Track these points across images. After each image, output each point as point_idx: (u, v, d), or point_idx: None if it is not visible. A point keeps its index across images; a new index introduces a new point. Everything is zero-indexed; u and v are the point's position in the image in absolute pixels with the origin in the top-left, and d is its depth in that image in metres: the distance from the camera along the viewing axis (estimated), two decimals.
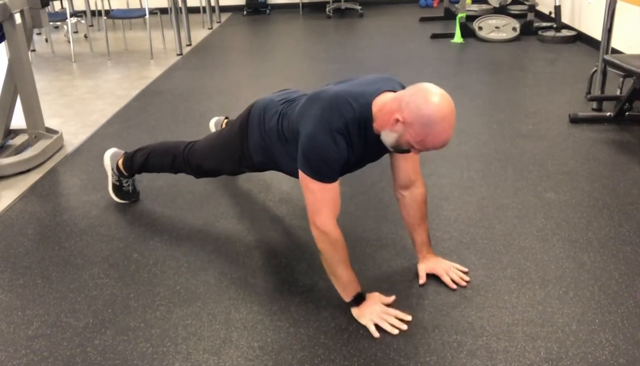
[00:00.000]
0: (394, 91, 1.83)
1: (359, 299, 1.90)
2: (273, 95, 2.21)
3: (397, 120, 1.69)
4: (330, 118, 1.76)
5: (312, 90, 2.14)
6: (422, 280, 2.08)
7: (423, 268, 2.11)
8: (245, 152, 2.19)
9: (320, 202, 1.83)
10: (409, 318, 1.89)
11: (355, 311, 1.91)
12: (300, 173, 1.83)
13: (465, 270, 2.13)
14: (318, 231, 1.85)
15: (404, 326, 1.85)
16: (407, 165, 2.02)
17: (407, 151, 1.80)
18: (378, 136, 1.81)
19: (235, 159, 2.24)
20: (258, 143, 2.14)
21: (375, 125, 1.79)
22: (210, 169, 2.40)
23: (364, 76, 1.97)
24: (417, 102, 1.65)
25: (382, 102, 1.77)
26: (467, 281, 2.07)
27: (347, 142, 1.79)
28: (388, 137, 1.76)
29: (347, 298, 1.91)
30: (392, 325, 1.85)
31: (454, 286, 2.05)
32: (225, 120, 3.08)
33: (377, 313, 1.88)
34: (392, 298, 1.97)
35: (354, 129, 1.78)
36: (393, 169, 2.06)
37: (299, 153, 1.83)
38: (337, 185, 1.85)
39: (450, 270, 2.10)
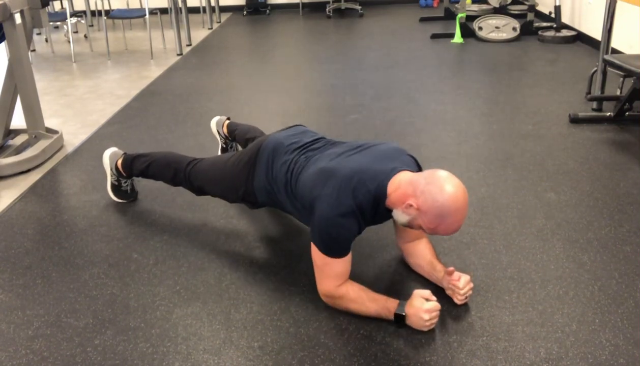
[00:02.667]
0: (409, 170, 1.85)
1: (400, 314, 1.82)
2: (283, 135, 2.19)
3: (411, 206, 1.72)
4: (346, 201, 1.78)
5: (323, 136, 2.14)
6: (456, 275, 1.96)
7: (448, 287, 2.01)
8: (250, 189, 2.20)
9: (329, 273, 1.88)
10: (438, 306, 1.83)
11: (408, 323, 1.83)
12: (313, 247, 1.88)
13: (471, 286, 2.00)
14: (324, 297, 1.93)
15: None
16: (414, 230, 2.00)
17: (417, 230, 1.83)
18: (389, 210, 1.84)
19: (238, 194, 2.25)
20: (263, 185, 2.14)
21: (388, 202, 1.82)
22: (212, 193, 2.41)
23: (377, 145, 1.97)
24: (433, 191, 1.67)
25: (398, 183, 1.79)
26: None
27: (360, 221, 1.82)
28: (400, 217, 1.79)
29: (391, 319, 1.85)
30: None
31: (461, 302, 1.96)
32: (227, 122, 3.07)
33: (424, 320, 1.79)
34: (427, 292, 1.86)
35: (367, 208, 1.81)
36: (398, 229, 2.08)
37: (312, 229, 1.86)
38: (349, 259, 1.89)
39: (466, 288, 1.97)
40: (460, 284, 1.92)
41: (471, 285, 1.95)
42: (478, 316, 1.90)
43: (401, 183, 1.78)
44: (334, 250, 1.84)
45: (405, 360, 1.72)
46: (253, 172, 2.17)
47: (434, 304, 1.81)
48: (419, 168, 1.95)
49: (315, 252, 1.87)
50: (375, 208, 1.82)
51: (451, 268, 1.94)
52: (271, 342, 1.82)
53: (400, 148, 1.97)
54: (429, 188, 1.68)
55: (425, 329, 1.82)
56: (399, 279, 2.11)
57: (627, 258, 2.19)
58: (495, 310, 1.93)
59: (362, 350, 1.77)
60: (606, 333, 1.80)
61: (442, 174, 1.71)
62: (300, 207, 2.00)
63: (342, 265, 1.87)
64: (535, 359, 1.71)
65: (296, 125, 2.32)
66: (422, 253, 2.08)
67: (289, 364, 1.73)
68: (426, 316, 1.79)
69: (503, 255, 2.24)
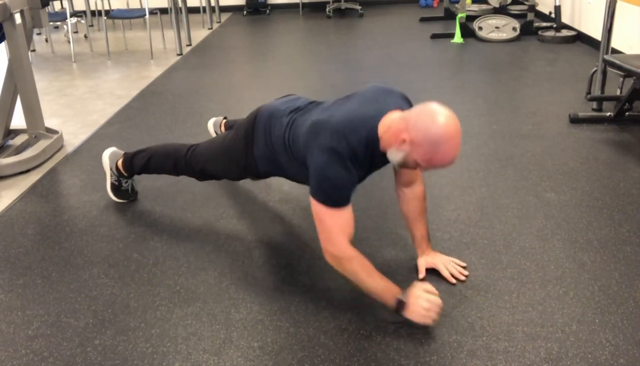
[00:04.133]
0: (399, 108, 1.85)
1: (402, 302, 1.82)
2: (278, 102, 2.20)
3: (404, 140, 1.71)
4: (339, 146, 1.77)
5: (316, 99, 2.15)
6: (422, 274, 2.10)
7: (422, 263, 2.13)
8: (251, 160, 2.19)
9: (333, 229, 1.85)
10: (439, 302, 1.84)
11: (405, 314, 1.83)
12: (313, 201, 1.85)
13: (464, 264, 2.15)
14: (332, 258, 1.87)
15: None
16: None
17: (414, 169, 1.82)
18: (384, 153, 1.83)
19: (240, 166, 2.25)
20: (263, 151, 2.14)
21: (382, 145, 1.81)
22: (214, 173, 2.40)
23: (365, 90, 1.97)
24: (425, 122, 1.67)
25: (389, 123, 1.79)
26: (465, 276, 2.09)
27: (356, 165, 1.81)
28: (395, 156, 1.78)
29: (392, 305, 1.84)
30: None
31: (453, 280, 2.07)
32: (224, 121, 3.08)
33: (425, 310, 1.80)
34: (428, 285, 1.89)
35: (361, 152, 1.80)
36: (396, 170, 2.08)
37: (310, 183, 1.85)
38: (350, 209, 1.86)
39: (449, 265, 2.11)
40: (444, 274, 2.08)
41: (455, 265, 2.12)
42: (478, 316, 1.90)
43: (392, 122, 1.78)
44: (334, 198, 1.81)
45: (405, 360, 1.72)
46: (252, 142, 2.17)
47: (435, 297, 1.82)
48: (410, 105, 1.94)
49: (317, 207, 1.84)
50: (370, 153, 1.82)
51: (421, 276, 2.10)
52: (271, 342, 1.82)
53: (388, 88, 1.96)
54: (421, 119, 1.68)
55: (424, 321, 1.80)
56: (399, 279, 2.11)
57: (627, 258, 2.19)
58: (495, 310, 1.93)
59: (362, 350, 1.77)
60: (606, 333, 1.80)
61: (433, 105, 1.70)
62: (298, 166, 1.99)
63: (346, 216, 1.84)
64: (535, 359, 1.71)
65: (289, 94, 2.32)
66: (408, 213, 2.13)
67: (289, 364, 1.73)
68: (426, 304, 1.79)
69: (503, 255, 2.24)
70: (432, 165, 1.72)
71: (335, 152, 1.77)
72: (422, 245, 2.15)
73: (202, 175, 2.44)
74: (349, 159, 1.78)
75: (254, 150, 2.17)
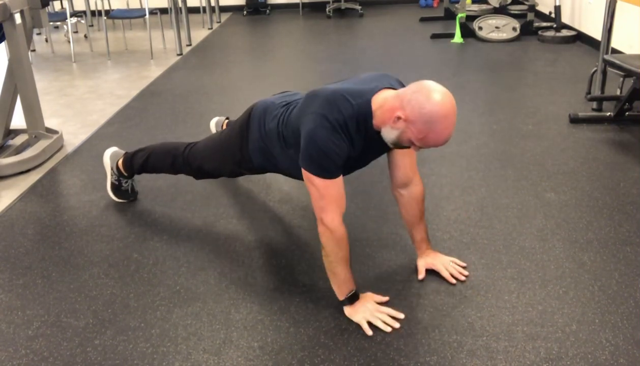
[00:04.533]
0: (393, 88, 1.83)
1: (352, 298, 1.91)
2: (273, 97, 2.21)
3: (399, 118, 1.69)
4: (329, 114, 1.77)
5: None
6: (422, 275, 2.10)
7: (422, 264, 2.13)
8: (245, 154, 2.19)
9: (325, 198, 1.82)
10: (401, 316, 1.89)
11: (347, 309, 1.91)
12: (304, 171, 1.84)
13: (464, 264, 2.15)
14: (324, 228, 1.84)
15: (397, 324, 1.86)
16: (405, 162, 2.03)
17: (408, 147, 1.81)
18: (378, 133, 1.81)
19: (235, 161, 2.25)
20: (258, 145, 2.14)
21: (375, 122, 1.79)
22: (210, 170, 2.40)
23: (362, 74, 1.97)
24: (419, 99, 1.65)
25: (382, 99, 1.77)
26: (466, 276, 2.09)
27: (347, 138, 1.79)
28: (389, 134, 1.77)
29: (341, 296, 1.92)
30: (385, 323, 1.85)
31: (453, 280, 2.07)
32: (226, 121, 3.08)
33: (370, 311, 1.89)
34: (385, 298, 1.97)
35: (353, 125, 1.79)
36: (391, 167, 2.06)
37: (301, 151, 1.83)
38: (341, 180, 1.84)
39: (449, 265, 2.11)
40: (444, 275, 2.08)
41: (455, 265, 2.12)
42: (478, 316, 1.90)
43: (387, 99, 1.77)
44: (325, 168, 1.79)
45: (405, 360, 1.72)
46: (247, 135, 2.17)
47: (386, 308, 1.92)
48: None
49: (309, 178, 1.82)
50: (363, 128, 1.80)
51: (421, 276, 2.10)
52: (271, 342, 1.82)
53: (386, 74, 1.96)
54: (416, 96, 1.67)
55: (362, 321, 1.87)
56: (399, 279, 2.11)
57: (627, 258, 2.19)
58: (495, 310, 1.93)
59: (362, 350, 1.77)
60: (606, 333, 1.80)
61: (429, 83, 1.69)
62: (291, 158, 1.99)
63: (337, 187, 1.83)
64: (535, 359, 1.71)
65: (286, 91, 2.32)
66: (407, 216, 2.13)
67: (289, 364, 1.73)
68: (370, 306, 1.90)
69: (503, 255, 2.24)
70: (426, 144, 1.70)
71: (326, 119, 1.76)
72: (422, 246, 2.15)
73: (199, 172, 2.44)
74: (339, 127, 1.76)
75: (248, 144, 2.17)
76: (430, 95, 1.64)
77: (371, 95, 1.80)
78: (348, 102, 1.78)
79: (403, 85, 1.94)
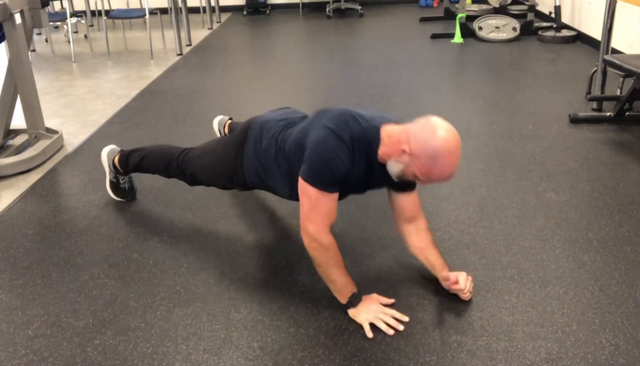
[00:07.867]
0: (396, 123, 1.87)
1: (355, 300, 1.90)
2: (272, 114, 2.20)
3: (404, 151, 1.73)
4: (338, 129, 1.79)
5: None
6: (452, 278, 1.96)
7: (446, 274, 1.99)
8: (239, 170, 2.18)
9: (316, 210, 1.83)
10: (406, 319, 1.89)
11: (351, 311, 1.91)
12: (300, 181, 1.84)
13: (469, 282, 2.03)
14: (309, 238, 1.85)
15: (401, 327, 1.85)
16: (409, 200, 2.03)
17: (411, 184, 1.84)
18: (383, 165, 1.84)
19: (227, 175, 2.24)
20: (252, 162, 2.13)
21: (382, 152, 1.82)
22: (203, 180, 2.39)
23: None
24: (425, 135, 1.69)
25: (391, 130, 1.81)
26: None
27: (350, 155, 1.80)
28: (394, 167, 1.80)
29: (343, 300, 1.91)
30: (388, 325, 1.85)
31: (468, 295, 1.97)
32: (229, 121, 3.07)
33: (373, 313, 1.88)
34: (391, 300, 1.96)
35: (359, 146, 1.81)
36: (395, 206, 2.06)
37: (303, 159, 1.84)
38: (335, 198, 1.85)
39: (468, 281, 1.98)
40: (461, 285, 1.94)
41: (470, 279, 1.97)
42: (478, 316, 1.90)
43: (393, 131, 1.80)
44: (323, 179, 1.80)
45: (405, 360, 1.72)
46: (242, 152, 2.16)
47: (390, 310, 1.90)
48: None
49: (304, 188, 1.83)
50: (369, 150, 1.82)
51: (445, 274, 1.95)
52: (271, 342, 1.82)
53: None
54: (422, 131, 1.71)
55: (364, 322, 1.85)
56: (399, 279, 2.11)
57: (627, 258, 2.19)
58: (495, 310, 1.93)
59: (362, 350, 1.77)
60: (606, 333, 1.80)
61: (434, 119, 1.73)
62: (282, 175, 2.00)
63: (330, 203, 1.83)
64: (535, 359, 1.71)
65: (285, 107, 2.32)
66: (419, 244, 2.06)
67: (289, 364, 1.73)
68: (374, 307, 1.88)
69: (503, 255, 2.24)
70: (430, 179, 1.73)
71: (334, 133, 1.78)
72: (444, 272, 2.00)
73: (192, 180, 2.43)
74: (345, 145, 1.78)
75: (243, 160, 2.16)
76: (436, 131, 1.68)
77: (381, 123, 1.84)
78: (358, 123, 1.82)
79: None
